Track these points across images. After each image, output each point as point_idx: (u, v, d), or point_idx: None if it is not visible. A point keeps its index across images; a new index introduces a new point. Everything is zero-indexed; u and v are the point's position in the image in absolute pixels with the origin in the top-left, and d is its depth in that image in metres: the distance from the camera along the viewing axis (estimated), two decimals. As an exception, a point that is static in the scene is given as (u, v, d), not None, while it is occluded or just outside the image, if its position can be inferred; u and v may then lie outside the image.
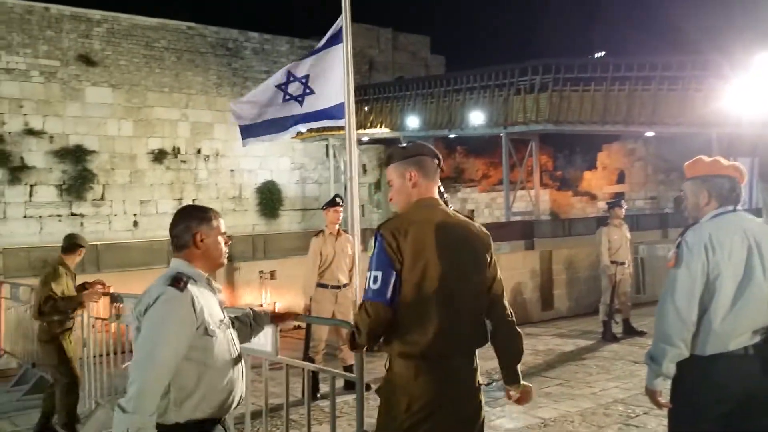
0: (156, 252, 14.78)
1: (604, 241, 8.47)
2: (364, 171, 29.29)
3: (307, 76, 7.91)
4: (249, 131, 8.30)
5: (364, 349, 2.82)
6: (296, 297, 9.52)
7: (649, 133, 25.19)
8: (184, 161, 26.33)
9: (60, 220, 23.35)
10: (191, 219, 2.52)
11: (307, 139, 27.53)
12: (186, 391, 2.29)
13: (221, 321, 2.46)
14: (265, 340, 3.78)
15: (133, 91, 25.24)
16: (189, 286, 2.34)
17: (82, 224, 23.63)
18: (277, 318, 3.23)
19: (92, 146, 24.25)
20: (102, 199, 24.39)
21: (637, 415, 5.21)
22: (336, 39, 7.94)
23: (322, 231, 6.64)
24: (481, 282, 2.60)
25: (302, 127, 8.15)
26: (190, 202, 26.09)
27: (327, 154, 29.13)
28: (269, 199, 27.79)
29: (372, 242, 2.55)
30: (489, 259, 2.64)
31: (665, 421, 4.88)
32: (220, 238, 2.56)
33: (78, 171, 23.81)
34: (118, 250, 14.79)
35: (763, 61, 18.71)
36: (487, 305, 2.63)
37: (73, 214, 23.71)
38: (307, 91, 7.90)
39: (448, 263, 2.49)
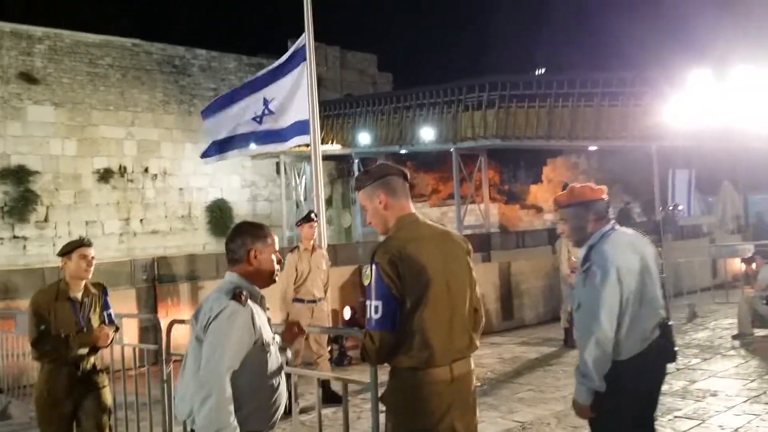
0: (103, 274, 14.33)
1: (564, 251, 8.80)
2: (315, 188, 29.25)
3: (272, 100, 8.05)
4: (215, 147, 8.35)
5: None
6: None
7: (592, 148, 26.10)
8: (131, 180, 25.80)
9: (2, 243, 22.51)
10: (247, 235, 2.61)
11: (257, 157, 27.37)
12: (239, 402, 2.34)
13: (273, 338, 2.57)
14: None
15: (76, 110, 24.63)
16: (249, 300, 2.44)
17: (25, 247, 22.86)
18: (287, 335, 3.22)
19: (35, 166, 23.50)
20: (46, 220, 23.62)
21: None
22: (295, 58, 8.10)
23: (297, 247, 6.73)
24: (467, 289, 2.73)
25: (258, 149, 8.26)
26: (138, 222, 25.57)
27: (278, 171, 29.01)
28: (220, 217, 27.46)
29: (368, 270, 2.62)
30: (470, 265, 2.79)
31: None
32: (274, 256, 2.65)
33: (20, 192, 23.02)
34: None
35: (697, 78, 19.71)
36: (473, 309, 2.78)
37: (15, 237, 22.89)
38: (266, 111, 8.03)
39: (444, 277, 2.62)
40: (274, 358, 2.52)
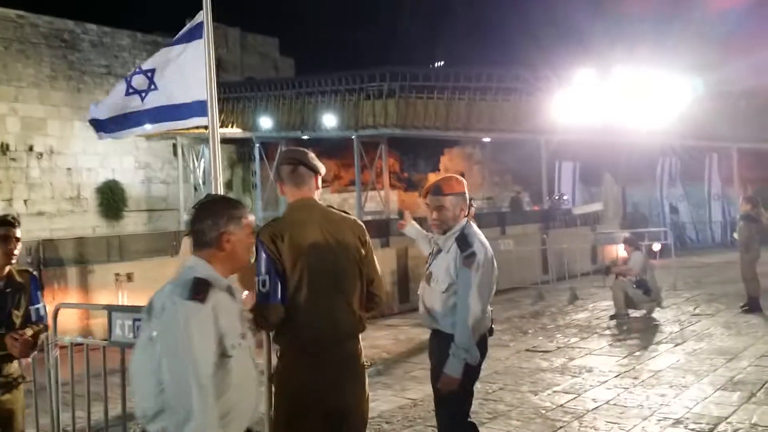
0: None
1: (457, 238, 9.20)
2: (214, 171, 28.68)
3: (152, 70, 7.72)
4: (99, 125, 8.00)
5: (271, 343, 3.08)
6: (157, 299, 9.37)
7: (486, 139, 27.11)
8: (14, 159, 24.29)
9: None
10: (220, 215, 2.20)
11: (153, 138, 26.48)
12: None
13: (241, 334, 2.18)
14: None
15: (-48, 82, 22.89)
16: (210, 294, 2.05)
17: None
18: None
19: None
20: None
21: (494, 391, 5.87)
22: (190, 35, 7.89)
23: (195, 230, 6.69)
24: (356, 272, 2.80)
25: (151, 129, 8.01)
26: (21, 203, 24.12)
27: (174, 153, 28.18)
28: (111, 199, 26.39)
29: (253, 248, 2.63)
30: (364, 248, 2.85)
31: (518, 395, 5.60)
32: (249, 238, 2.29)
33: None
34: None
35: (583, 76, 20.95)
36: (365, 291, 2.86)
37: None
38: (152, 87, 7.73)
39: (327, 261, 2.74)
40: (242, 359, 2.14)
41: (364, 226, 2.90)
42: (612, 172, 21.63)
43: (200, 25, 7.73)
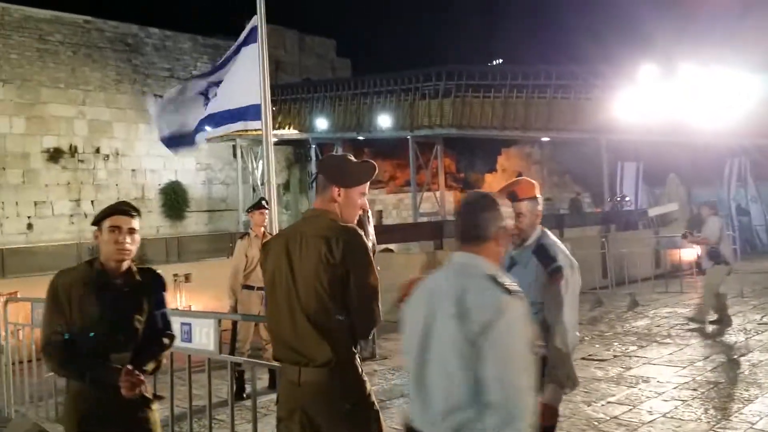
0: (50, 256, 14.13)
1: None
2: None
3: (220, 82, 8.00)
4: (173, 142, 8.27)
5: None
6: (211, 299, 9.56)
7: (545, 138, 26.61)
8: (82, 161, 25.28)
9: (-54, 224, 21.88)
10: (496, 209, 2.16)
11: (213, 140, 27.08)
12: None
13: None
14: (207, 339, 3.93)
15: (25, 87, 23.96)
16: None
17: (-29, 227, 22.25)
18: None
19: (-19, 145, 22.87)
20: (-8, 200, 23.03)
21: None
22: (246, 40, 8.05)
23: (247, 233, 6.79)
24: (325, 292, 2.52)
25: (212, 132, 8.21)
26: (89, 204, 25.07)
27: (234, 155, 28.78)
28: (174, 200, 27.15)
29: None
30: (332, 270, 2.51)
31: (571, 405, 5.44)
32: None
33: (-34, 171, 22.39)
34: (24, 254, 14.02)
35: (646, 73, 20.28)
36: (336, 317, 2.53)
37: (-40, 217, 22.26)
38: (214, 94, 7.99)
39: (286, 278, 2.59)
40: None
41: (344, 247, 2.51)
42: (677, 173, 20.90)
43: (255, 29, 7.91)
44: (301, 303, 2.55)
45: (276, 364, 2.79)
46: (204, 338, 3.83)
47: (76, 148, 25.15)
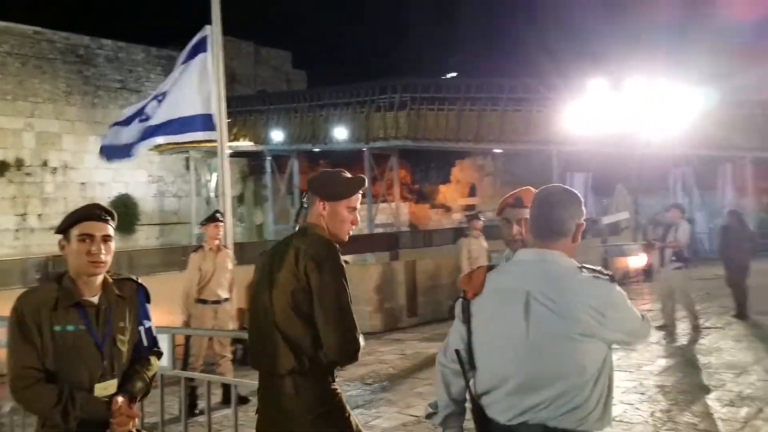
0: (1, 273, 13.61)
1: (464, 251, 9.17)
2: (226, 184, 28.87)
3: (164, 93, 7.93)
4: (111, 152, 8.17)
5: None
6: (164, 314, 9.40)
7: (497, 150, 27.08)
8: (29, 174, 24.59)
9: None
10: (577, 204, 2.12)
11: (165, 152, 26.71)
12: None
13: None
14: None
15: (-31, 98, 23.26)
16: None
17: None
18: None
19: None
20: (-67, 214, 22.21)
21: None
22: (197, 49, 8.01)
23: (201, 246, 6.71)
24: (287, 310, 2.54)
25: (161, 140, 8.13)
26: (36, 218, 24.39)
27: (187, 167, 28.40)
28: (124, 213, 26.57)
29: None
30: (299, 284, 2.51)
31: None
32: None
33: None
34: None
35: (596, 86, 20.87)
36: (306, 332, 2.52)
37: None
38: (160, 105, 7.93)
39: (263, 292, 2.63)
40: None
41: (308, 261, 2.51)
42: (624, 183, 21.50)
43: (205, 39, 7.87)
44: (273, 313, 2.56)
45: (230, 379, 2.81)
46: None
47: (22, 161, 24.46)
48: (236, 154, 28.99)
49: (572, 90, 21.52)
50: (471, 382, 2.14)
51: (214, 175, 27.67)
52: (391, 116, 25.03)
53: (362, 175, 2.86)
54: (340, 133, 25.78)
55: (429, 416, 2.29)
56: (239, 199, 29.77)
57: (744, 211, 22.64)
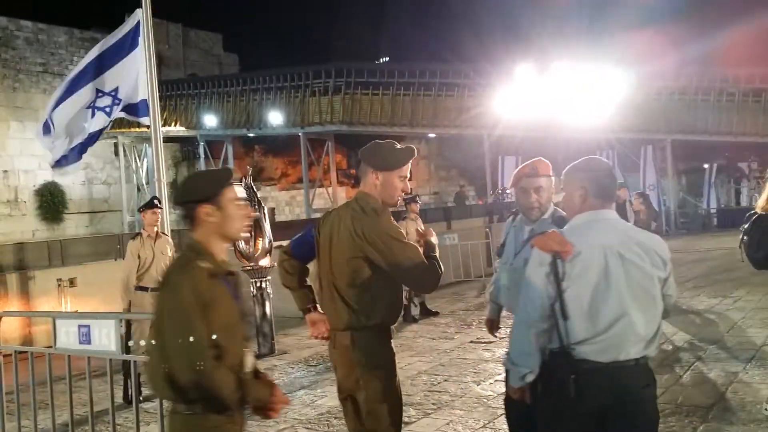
0: None
1: (402, 233, 9.38)
2: (157, 171, 28.23)
3: (116, 89, 7.84)
4: (66, 159, 8.04)
5: None
6: (101, 304, 9.26)
7: (431, 135, 27.47)
8: (-55, 161, 23.40)
9: None
10: None
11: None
12: None
13: None
14: (107, 340, 3.89)
15: None
16: None
17: None
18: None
19: None
20: None
21: (438, 382, 6.08)
22: (134, 37, 7.94)
23: (139, 233, 6.68)
24: (347, 267, 2.85)
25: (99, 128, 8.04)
26: (-46, 208, 23.23)
27: (116, 153, 27.57)
28: (51, 201, 25.66)
29: None
30: (362, 243, 2.81)
31: (462, 385, 5.82)
32: None
33: None
34: None
35: (523, 71, 21.45)
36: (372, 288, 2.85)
37: None
38: (116, 101, 7.85)
39: (327, 250, 2.96)
40: None
41: (364, 225, 2.83)
42: (553, 166, 22.20)
43: (138, 24, 7.78)
44: (333, 273, 2.87)
45: None
46: (104, 339, 3.78)
47: (-62, 148, 23.24)
48: (168, 140, 28.33)
49: (502, 75, 22.05)
50: (563, 332, 2.41)
51: (145, 161, 27.00)
52: (326, 101, 25.02)
53: (412, 146, 3.14)
54: (275, 117, 25.57)
55: (523, 377, 2.49)
56: (172, 186, 29.13)
57: (664, 191, 23.89)
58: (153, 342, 2.21)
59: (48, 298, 9.72)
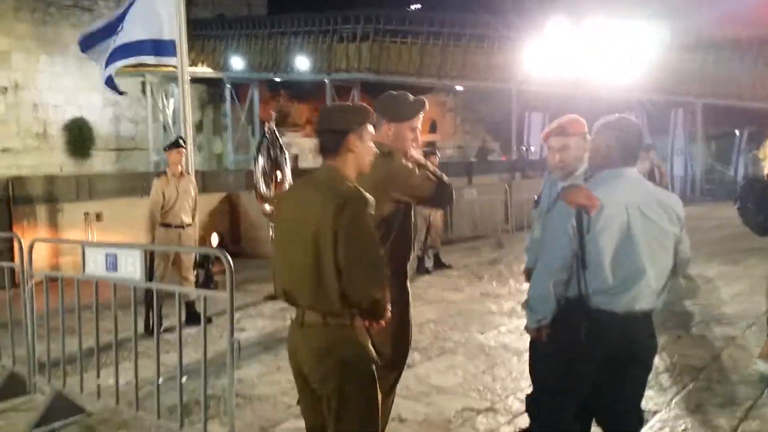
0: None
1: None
2: (184, 111, 28.38)
3: (123, 15, 7.93)
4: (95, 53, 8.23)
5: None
6: (126, 238, 9.58)
7: (459, 88, 27.18)
8: (-23, 93, 23.78)
9: None
10: None
11: (120, 74, 25.92)
12: None
13: None
14: (133, 268, 4.07)
15: None
16: None
17: None
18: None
19: None
20: None
21: (444, 331, 6.30)
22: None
23: (164, 172, 6.87)
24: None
25: (121, 65, 8.16)
26: (-15, 139, 23.73)
27: (143, 92, 27.75)
28: (79, 137, 26.02)
29: None
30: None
31: (466, 334, 6.04)
32: None
33: None
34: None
35: (555, 25, 21.02)
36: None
37: None
38: (120, 27, 7.94)
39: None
40: None
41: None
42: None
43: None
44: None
45: (200, 291, 2.94)
46: (130, 267, 3.97)
47: (-30, 80, 23.60)
48: (194, 80, 28.35)
49: (533, 29, 21.64)
50: (582, 282, 2.60)
51: (172, 100, 27.17)
52: (354, 47, 24.81)
53: (423, 98, 3.16)
54: (302, 63, 25.47)
55: (539, 321, 2.71)
56: (198, 127, 29.33)
57: (692, 156, 23.55)
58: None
59: (75, 231, 10.06)
